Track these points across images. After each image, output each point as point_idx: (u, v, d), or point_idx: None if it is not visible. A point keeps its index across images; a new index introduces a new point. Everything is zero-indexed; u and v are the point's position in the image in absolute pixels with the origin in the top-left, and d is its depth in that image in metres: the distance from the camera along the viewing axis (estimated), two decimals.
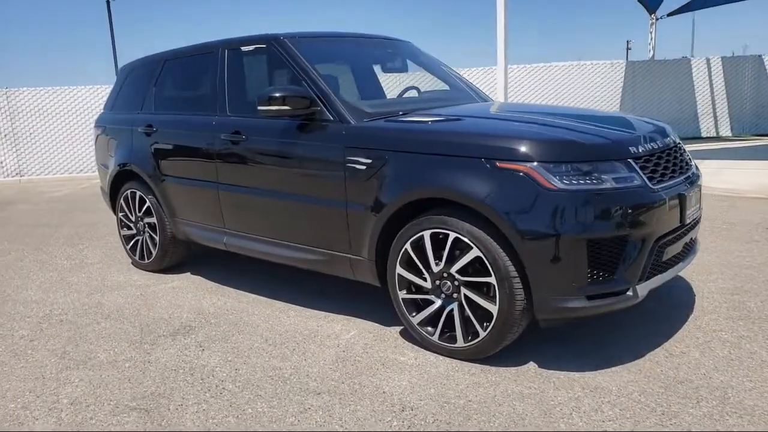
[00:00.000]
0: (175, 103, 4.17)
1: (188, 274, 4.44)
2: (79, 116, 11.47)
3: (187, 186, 3.96)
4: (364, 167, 2.92)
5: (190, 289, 4.05)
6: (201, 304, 3.75)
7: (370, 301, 3.56)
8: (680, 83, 11.66)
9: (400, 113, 3.20)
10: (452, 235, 2.63)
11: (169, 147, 4.06)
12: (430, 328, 2.82)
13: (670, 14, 13.50)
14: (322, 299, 3.69)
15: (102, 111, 4.97)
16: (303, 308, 3.57)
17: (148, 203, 4.34)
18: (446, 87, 4.10)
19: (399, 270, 2.86)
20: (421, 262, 2.78)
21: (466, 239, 2.59)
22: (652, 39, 12.78)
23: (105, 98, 11.72)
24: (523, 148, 2.49)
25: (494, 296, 2.57)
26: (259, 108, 3.17)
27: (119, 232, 4.74)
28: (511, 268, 2.51)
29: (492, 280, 2.55)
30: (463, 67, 11.33)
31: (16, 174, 11.50)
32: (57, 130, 11.46)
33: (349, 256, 3.11)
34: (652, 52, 12.79)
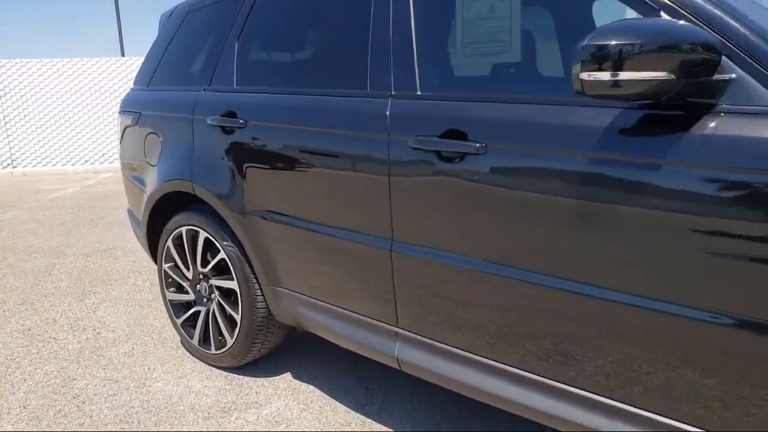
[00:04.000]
0: (283, 74, 2.20)
1: (288, 376, 2.52)
2: (86, 95, 9.46)
3: (313, 234, 2.02)
4: None
5: (311, 428, 2.12)
6: None
7: None
8: None
9: None
10: None
11: (276, 158, 2.09)
12: None
13: None
14: None
15: (132, 88, 3.00)
16: None
17: (222, 254, 2.40)
18: None
19: None
20: None
21: None
22: None
23: (123, 73, 9.75)
24: None
25: None
26: (585, 78, 1.23)
27: (163, 293, 2.80)
28: None
29: None
30: None
31: (8, 164, 9.52)
32: (58, 112, 9.46)
33: None
34: None
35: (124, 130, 2.90)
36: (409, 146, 1.70)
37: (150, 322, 3.13)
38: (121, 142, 2.98)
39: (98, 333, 3.01)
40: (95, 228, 5.29)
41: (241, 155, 2.20)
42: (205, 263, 2.52)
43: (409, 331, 1.85)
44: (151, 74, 2.80)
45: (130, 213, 3.09)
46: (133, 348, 2.83)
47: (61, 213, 6.03)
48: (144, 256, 4.29)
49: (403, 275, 1.80)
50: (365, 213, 1.84)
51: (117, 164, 9.66)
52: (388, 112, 1.77)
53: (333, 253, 1.98)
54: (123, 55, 14.43)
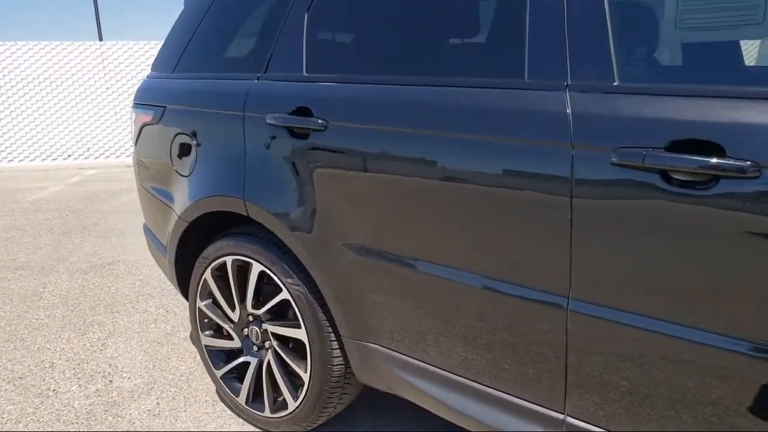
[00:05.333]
0: (380, 56, 1.61)
1: None
2: (67, 83, 8.69)
3: (433, 281, 1.45)
4: None
5: None
6: None
7: None
8: None
9: None
10: None
11: (374, 174, 1.51)
12: None
13: None
14: None
15: (151, 75, 2.39)
16: None
17: (285, 294, 1.83)
18: None
19: None
20: None
21: None
22: None
23: (100, 58, 9.01)
24: None
25: None
26: None
27: (197, 335, 2.22)
28: None
29: None
30: None
31: None
32: (37, 101, 8.69)
33: None
34: None
35: (142, 128, 2.29)
36: (608, 162, 1.15)
37: (173, 364, 2.55)
38: (136, 144, 2.38)
39: (110, 381, 2.42)
40: (89, 236, 4.64)
41: (321, 167, 1.63)
42: (258, 303, 1.95)
43: (584, 421, 1.31)
44: (177, 57, 2.20)
45: (148, 231, 2.50)
46: (158, 403, 2.25)
47: (47, 218, 5.35)
48: (152, 273, 3.69)
49: (582, 346, 1.25)
50: (525, 256, 1.29)
51: (104, 159, 8.95)
52: (568, 111, 1.21)
53: (465, 308, 1.42)
54: (101, 39, 13.58)
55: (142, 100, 2.31)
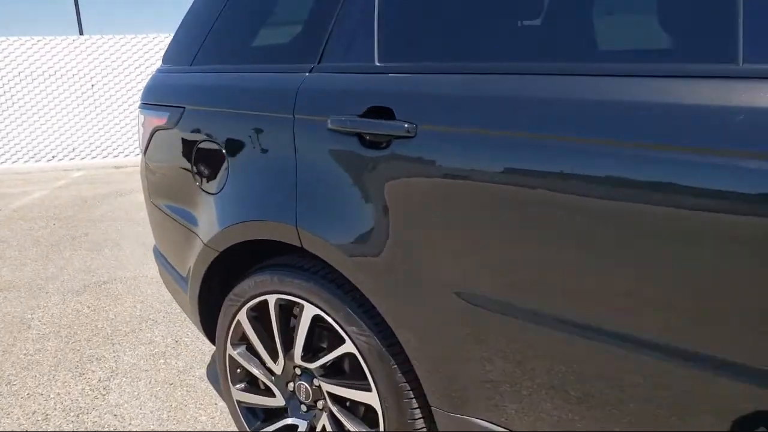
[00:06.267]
0: (492, 36, 1.19)
1: None
2: (49, 80, 8.16)
3: (591, 344, 1.05)
4: None
5: None
6: None
7: None
8: None
9: None
10: None
11: (496, 196, 1.10)
12: None
13: None
14: None
15: (162, 69, 1.96)
16: None
17: (349, 345, 1.43)
18: None
19: None
20: None
21: None
22: None
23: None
24: None
25: None
26: None
27: (227, 387, 1.81)
28: None
29: None
30: None
31: None
32: (18, 100, 8.15)
33: None
34: None
35: (153, 133, 1.86)
36: None
37: (191, 413, 2.14)
38: (145, 153, 1.95)
39: None
40: (79, 249, 4.19)
41: (408, 187, 1.22)
42: (309, 353, 1.54)
43: None
44: (197, 46, 1.77)
45: (160, 258, 2.08)
46: None
47: (32, 227, 4.88)
48: (155, 293, 3.27)
49: None
50: (756, 321, 0.90)
51: (90, 161, 8.44)
52: None
53: (643, 390, 1.03)
54: (81, 33, 12.99)
55: (152, 100, 1.88)
